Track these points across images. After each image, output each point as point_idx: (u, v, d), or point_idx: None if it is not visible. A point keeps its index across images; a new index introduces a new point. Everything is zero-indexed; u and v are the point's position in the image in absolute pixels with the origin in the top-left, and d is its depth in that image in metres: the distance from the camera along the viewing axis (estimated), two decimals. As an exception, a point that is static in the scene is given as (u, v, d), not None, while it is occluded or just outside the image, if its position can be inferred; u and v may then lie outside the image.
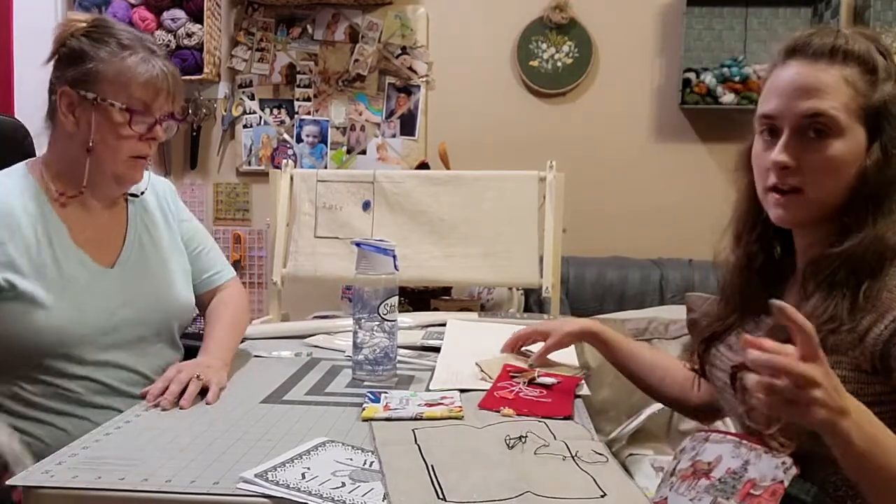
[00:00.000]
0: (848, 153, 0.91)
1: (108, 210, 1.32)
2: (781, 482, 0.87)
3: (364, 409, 1.05)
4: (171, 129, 1.30)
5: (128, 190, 1.34)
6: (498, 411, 1.05)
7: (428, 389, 1.18)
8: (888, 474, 0.77)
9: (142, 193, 1.37)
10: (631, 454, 1.92)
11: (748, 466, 0.91)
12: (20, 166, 1.28)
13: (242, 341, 1.44)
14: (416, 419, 1.01)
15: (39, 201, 1.23)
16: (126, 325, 1.25)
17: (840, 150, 0.91)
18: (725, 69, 2.88)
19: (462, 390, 1.16)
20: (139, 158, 1.26)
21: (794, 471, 0.85)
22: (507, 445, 0.91)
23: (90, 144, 1.22)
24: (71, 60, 1.22)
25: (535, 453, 0.90)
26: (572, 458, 0.89)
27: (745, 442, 0.92)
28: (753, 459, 0.90)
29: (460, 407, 1.06)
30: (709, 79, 2.88)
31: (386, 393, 1.12)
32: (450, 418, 1.02)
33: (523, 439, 0.93)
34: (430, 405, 1.06)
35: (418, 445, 0.91)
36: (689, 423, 1.92)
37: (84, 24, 1.24)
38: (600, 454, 0.90)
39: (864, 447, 0.76)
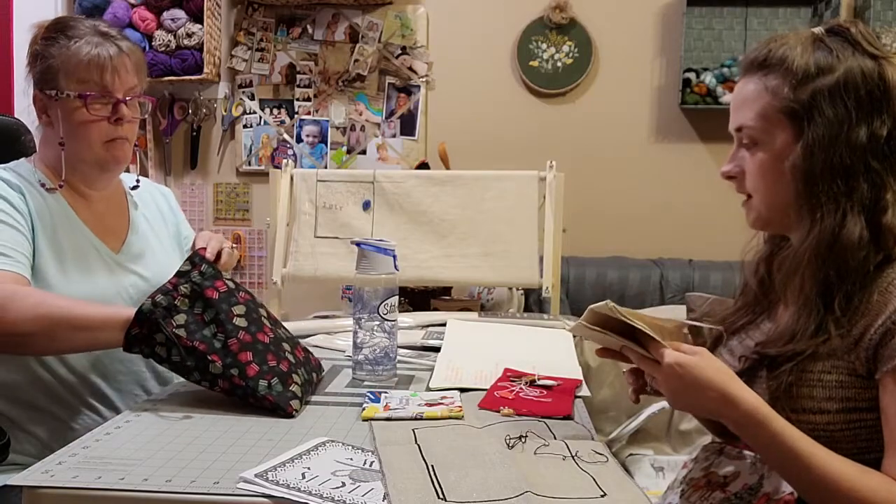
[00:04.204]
0: (773, 157, 0.94)
1: (107, 199, 1.36)
2: (792, 493, 0.88)
3: (364, 408, 1.04)
4: (141, 107, 1.32)
5: (118, 173, 1.37)
6: (498, 411, 1.05)
7: (428, 389, 1.18)
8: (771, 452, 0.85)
9: (135, 186, 1.43)
10: (631, 454, 1.92)
11: (763, 481, 0.92)
12: (23, 160, 1.33)
13: None
14: (416, 419, 1.01)
15: (42, 189, 1.27)
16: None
17: (765, 155, 0.95)
18: (725, 69, 2.88)
19: (462, 390, 1.16)
20: (116, 140, 1.28)
21: None
22: (507, 445, 0.91)
23: (61, 139, 1.26)
24: (34, 65, 1.27)
25: (535, 453, 0.90)
26: (572, 458, 0.89)
27: (760, 456, 0.92)
28: (768, 474, 0.91)
29: (460, 407, 1.06)
30: (709, 79, 2.88)
31: (386, 393, 1.12)
32: (450, 418, 1.02)
33: (523, 439, 0.93)
34: (430, 405, 1.06)
35: (418, 445, 0.91)
36: (689, 423, 1.92)
37: (43, 30, 1.28)
38: (600, 454, 0.90)
39: (742, 434, 0.86)
